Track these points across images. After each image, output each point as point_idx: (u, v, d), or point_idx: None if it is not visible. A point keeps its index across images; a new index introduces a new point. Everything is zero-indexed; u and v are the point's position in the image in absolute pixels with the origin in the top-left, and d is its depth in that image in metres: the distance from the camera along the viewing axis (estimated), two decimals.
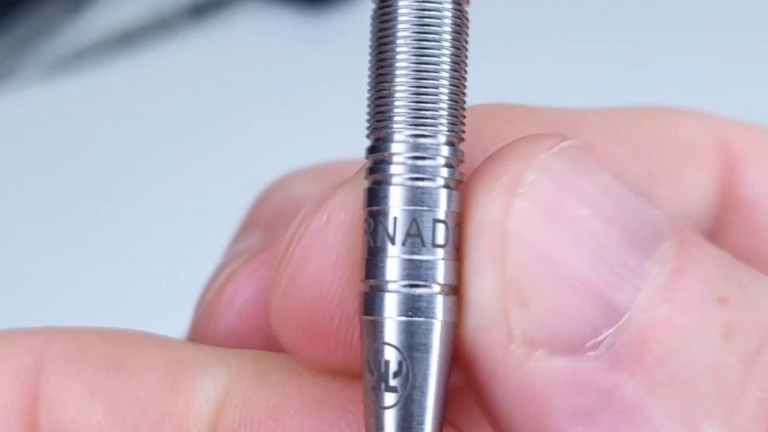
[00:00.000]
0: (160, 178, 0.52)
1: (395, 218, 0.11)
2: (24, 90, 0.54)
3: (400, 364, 0.11)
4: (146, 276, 0.46)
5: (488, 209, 0.11)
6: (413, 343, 0.11)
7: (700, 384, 0.11)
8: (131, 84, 0.54)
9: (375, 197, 0.11)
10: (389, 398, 0.11)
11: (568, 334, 0.11)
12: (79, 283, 0.46)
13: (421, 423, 0.11)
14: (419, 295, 0.11)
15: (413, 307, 0.11)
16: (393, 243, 0.11)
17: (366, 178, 0.12)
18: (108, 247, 0.48)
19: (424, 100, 0.11)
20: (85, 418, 0.13)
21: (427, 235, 0.11)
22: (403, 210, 0.11)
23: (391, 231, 0.11)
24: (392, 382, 0.11)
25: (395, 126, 0.11)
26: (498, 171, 0.11)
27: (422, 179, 0.11)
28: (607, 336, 0.11)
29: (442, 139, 0.11)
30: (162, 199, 0.50)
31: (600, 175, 0.12)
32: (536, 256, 0.11)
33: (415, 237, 0.11)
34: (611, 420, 0.11)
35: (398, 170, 0.11)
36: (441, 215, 0.11)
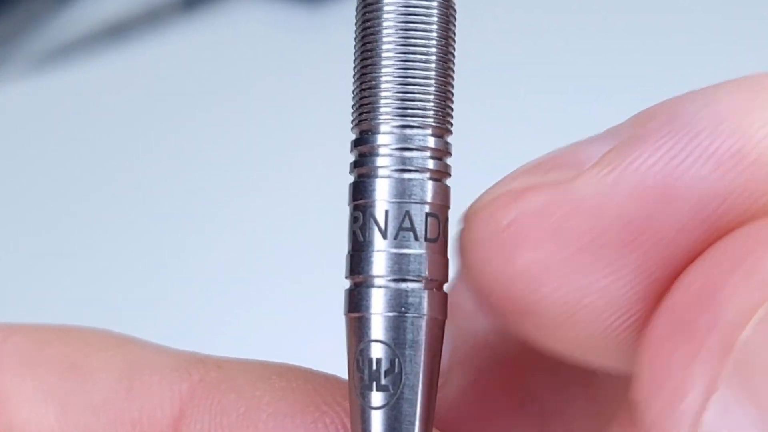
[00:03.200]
0: (152, 173, 0.51)
1: (386, 211, 0.11)
2: (11, 84, 0.53)
3: (392, 361, 0.11)
4: (135, 273, 0.46)
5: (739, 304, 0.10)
6: (405, 340, 0.11)
7: None
8: (122, 78, 0.53)
9: (362, 190, 0.11)
10: (378, 398, 0.11)
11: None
12: (63, 280, 0.46)
13: (412, 423, 0.11)
14: (409, 290, 0.11)
15: (404, 302, 0.11)
16: (384, 237, 0.11)
17: (351, 172, 0.12)
18: (97, 243, 0.48)
19: (412, 91, 0.11)
20: (38, 420, 0.13)
21: (419, 228, 0.11)
22: (393, 203, 0.11)
23: (382, 225, 0.11)
24: (384, 381, 0.11)
25: (381, 117, 0.11)
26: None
27: (411, 171, 0.11)
28: None
29: (430, 130, 0.11)
30: (154, 194, 0.50)
31: None
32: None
33: (405, 231, 0.11)
34: None
35: (385, 162, 0.11)
36: (432, 209, 0.11)
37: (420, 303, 0.11)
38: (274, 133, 0.47)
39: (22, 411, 0.13)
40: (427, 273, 0.11)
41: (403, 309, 0.11)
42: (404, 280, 0.11)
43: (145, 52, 0.54)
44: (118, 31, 0.53)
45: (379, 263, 0.11)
